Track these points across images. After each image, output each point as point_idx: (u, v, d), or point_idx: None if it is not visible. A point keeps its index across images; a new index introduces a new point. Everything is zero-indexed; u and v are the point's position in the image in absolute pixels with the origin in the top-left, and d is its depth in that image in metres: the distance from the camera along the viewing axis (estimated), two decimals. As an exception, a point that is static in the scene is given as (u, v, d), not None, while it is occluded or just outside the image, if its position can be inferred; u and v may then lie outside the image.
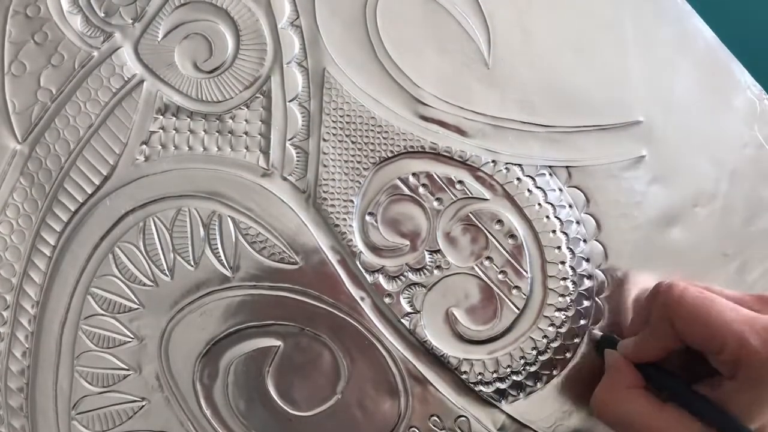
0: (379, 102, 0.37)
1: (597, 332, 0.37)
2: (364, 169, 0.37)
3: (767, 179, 0.39)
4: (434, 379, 0.37)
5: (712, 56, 0.39)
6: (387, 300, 0.37)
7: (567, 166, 0.38)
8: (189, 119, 0.37)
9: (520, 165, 0.37)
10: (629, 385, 0.34)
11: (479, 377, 0.37)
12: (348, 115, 0.37)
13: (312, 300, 0.37)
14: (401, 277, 0.37)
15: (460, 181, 0.37)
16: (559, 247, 0.37)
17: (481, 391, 0.37)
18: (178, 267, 0.36)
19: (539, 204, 0.37)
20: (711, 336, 0.31)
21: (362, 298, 0.37)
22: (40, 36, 0.37)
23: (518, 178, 0.37)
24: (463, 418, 0.37)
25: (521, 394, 0.37)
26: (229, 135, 0.37)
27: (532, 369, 0.37)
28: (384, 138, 0.37)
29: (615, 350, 0.35)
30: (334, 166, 0.37)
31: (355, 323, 0.37)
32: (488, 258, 0.37)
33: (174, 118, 0.37)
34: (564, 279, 0.37)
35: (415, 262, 0.37)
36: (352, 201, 0.37)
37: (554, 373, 0.37)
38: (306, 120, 0.37)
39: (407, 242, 0.37)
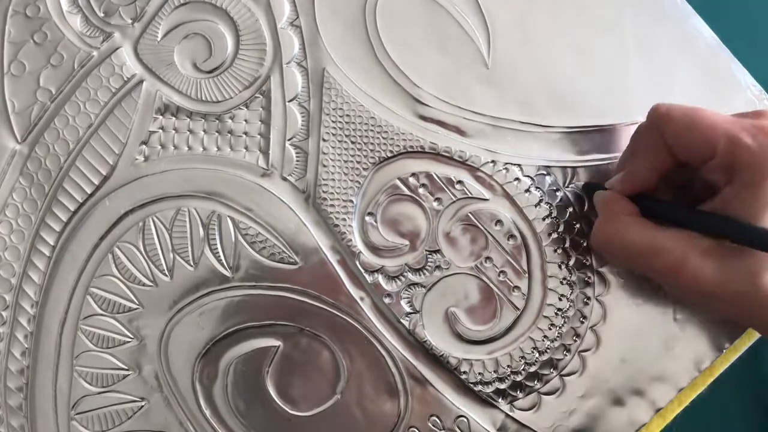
0: (378, 102, 0.37)
1: (581, 183, 0.37)
2: (364, 169, 0.37)
3: (767, 179, 0.39)
4: (434, 379, 0.37)
5: (712, 56, 0.39)
6: (387, 300, 0.37)
7: (567, 167, 0.38)
8: (188, 119, 0.37)
9: (519, 165, 0.37)
10: (625, 213, 0.33)
11: (479, 377, 0.37)
12: (348, 115, 0.37)
13: (311, 300, 0.37)
14: (401, 277, 0.37)
15: (459, 181, 0.37)
16: (558, 248, 0.37)
17: (480, 391, 0.37)
18: (177, 267, 0.36)
19: (539, 204, 0.37)
20: (702, 140, 0.31)
21: (362, 298, 0.37)
22: (40, 36, 0.37)
23: (518, 178, 0.37)
24: (462, 418, 0.37)
25: (521, 394, 0.37)
26: (229, 135, 0.37)
27: (532, 369, 0.37)
28: (384, 138, 0.37)
29: (603, 190, 0.35)
30: (333, 166, 0.37)
31: (354, 323, 0.37)
32: (488, 258, 0.37)
33: (173, 118, 0.37)
34: (564, 279, 0.37)
35: (415, 262, 0.37)
36: (351, 201, 0.37)
37: (554, 373, 0.37)
38: (305, 120, 0.37)
39: (407, 242, 0.37)
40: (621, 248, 0.33)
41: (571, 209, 0.37)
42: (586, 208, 0.38)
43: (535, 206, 0.37)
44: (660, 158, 0.33)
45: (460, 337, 0.37)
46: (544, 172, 0.38)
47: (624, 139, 0.38)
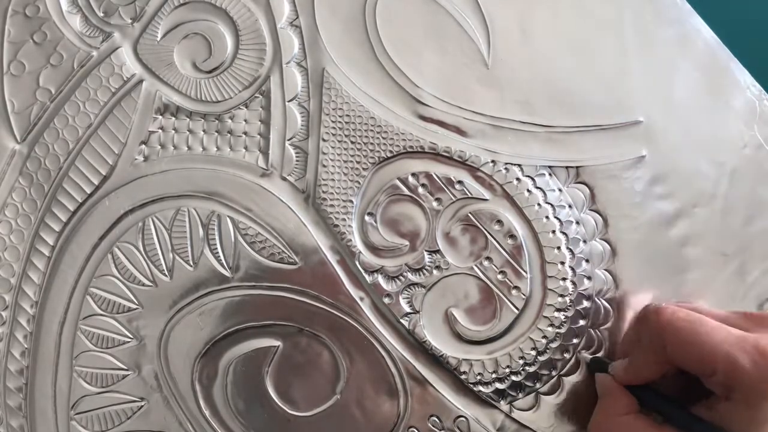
0: (378, 102, 0.37)
1: (586, 355, 0.37)
2: (364, 169, 0.37)
3: (767, 179, 0.39)
4: (433, 380, 0.37)
5: (712, 56, 0.39)
6: (386, 300, 0.37)
7: (567, 167, 0.38)
8: (188, 119, 0.37)
9: (519, 165, 0.37)
10: (623, 411, 0.33)
11: (478, 377, 0.37)
12: (347, 115, 0.37)
13: (311, 300, 0.37)
14: (400, 277, 0.37)
15: (459, 182, 0.37)
16: (558, 248, 0.37)
17: (480, 391, 0.37)
18: (177, 267, 0.36)
19: (539, 204, 0.37)
20: (702, 359, 0.31)
21: (361, 298, 0.37)
22: (39, 36, 0.37)
23: (518, 179, 0.37)
24: (462, 419, 0.37)
25: (520, 395, 0.37)
26: (229, 135, 0.37)
27: (531, 369, 0.37)
28: (383, 138, 0.37)
29: (606, 374, 0.35)
30: (333, 166, 0.37)
31: (354, 323, 0.37)
32: (488, 258, 0.37)
33: (173, 118, 0.37)
34: (563, 279, 0.37)
35: (415, 262, 0.37)
36: (351, 201, 0.37)
37: (553, 373, 0.37)
38: (305, 120, 0.37)
39: (406, 242, 0.37)
40: None
41: (571, 209, 0.37)
42: (586, 209, 0.38)
43: (535, 206, 0.37)
44: (662, 359, 0.33)
45: (460, 338, 0.37)
46: (544, 172, 0.38)
47: (624, 140, 0.38)
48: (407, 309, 0.37)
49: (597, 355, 0.37)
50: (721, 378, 0.31)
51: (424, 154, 0.37)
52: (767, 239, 0.39)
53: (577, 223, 0.37)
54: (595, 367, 0.36)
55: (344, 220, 0.37)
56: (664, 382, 0.34)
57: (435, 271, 0.37)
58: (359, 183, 0.37)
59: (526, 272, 0.37)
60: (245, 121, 0.37)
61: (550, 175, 0.38)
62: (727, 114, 0.39)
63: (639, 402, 0.34)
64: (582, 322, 0.37)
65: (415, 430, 0.37)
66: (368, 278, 0.37)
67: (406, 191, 0.37)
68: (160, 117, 0.37)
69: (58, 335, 0.36)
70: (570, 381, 0.37)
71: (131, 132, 0.37)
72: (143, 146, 0.37)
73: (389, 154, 0.37)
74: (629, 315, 0.38)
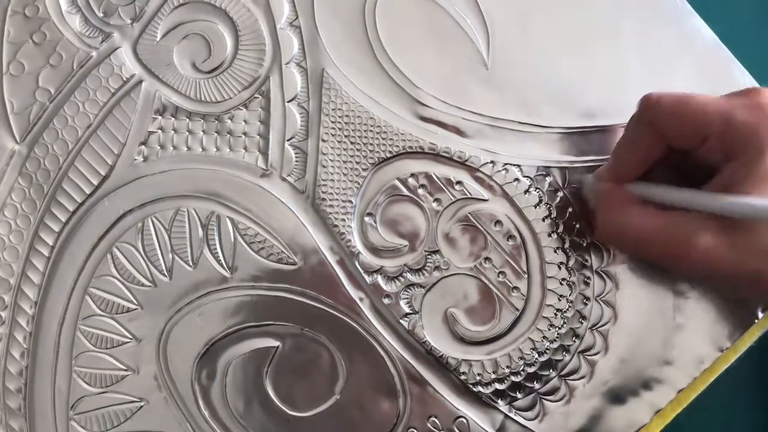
0: (378, 102, 0.37)
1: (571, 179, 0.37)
2: (363, 169, 0.37)
3: (767, 180, 0.39)
4: (433, 380, 0.37)
5: (712, 56, 0.39)
6: (386, 300, 0.37)
7: (566, 167, 0.38)
8: (188, 119, 0.37)
9: (519, 165, 0.37)
10: (624, 204, 0.33)
11: (478, 378, 0.37)
12: (347, 116, 0.37)
13: (311, 300, 0.37)
14: (400, 277, 0.37)
15: (459, 182, 0.37)
16: (558, 248, 0.37)
17: (480, 392, 0.37)
18: (176, 267, 0.36)
19: (538, 204, 0.37)
20: (695, 123, 0.31)
21: (361, 299, 0.37)
22: (39, 36, 0.37)
23: (517, 179, 0.37)
24: (461, 419, 0.37)
25: (520, 395, 0.37)
26: (228, 135, 0.37)
27: (531, 370, 0.37)
28: (383, 138, 0.37)
29: (594, 181, 0.35)
30: (333, 166, 0.37)
31: (353, 324, 0.37)
32: (487, 259, 0.37)
33: (173, 119, 0.37)
34: (563, 280, 0.37)
35: (414, 262, 0.37)
36: (350, 201, 0.37)
37: (553, 374, 0.37)
38: (305, 120, 0.37)
39: (406, 243, 0.37)
40: (631, 238, 0.33)
41: (570, 210, 0.37)
42: (585, 208, 0.38)
43: (535, 207, 0.37)
44: (651, 146, 0.32)
45: (460, 338, 0.37)
46: (544, 173, 0.38)
47: (623, 140, 0.38)
48: (407, 309, 0.37)
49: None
50: (718, 140, 0.30)
51: (423, 155, 0.37)
52: (767, 240, 0.39)
53: (577, 223, 0.37)
54: (579, 183, 0.36)
55: (344, 220, 0.37)
56: (654, 179, 0.33)
57: (434, 272, 0.37)
58: (359, 183, 0.37)
59: (525, 273, 0.37)
60: (245, 121, 0.37)
61: (549, 175, 0.38)
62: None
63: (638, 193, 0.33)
64: (582, 323, 0.37)
65: (414, 430, 0.37)
66: (368, 279, 0.37)
67: (405, 192, 0.37)
68: (160, 117, 0.37)
69: (57, 336, 0.36)
70: (570, 381, 0.37)
71: (130, 132, 0.37)
72: (143, 147, 0.37)
73: (389, 155, 0.37)
74: (629, 315, 0.38)
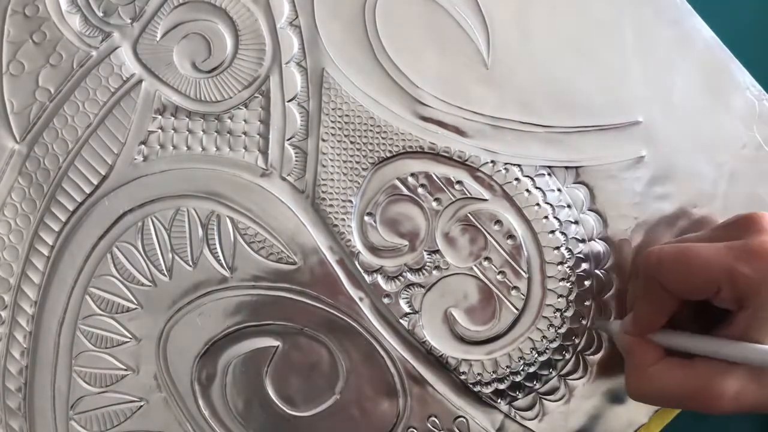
0: (378, 102, 0.37)
1: (596, 323, 0.37)
2: (363, 169, 0.37)
3: (766, 180, 0.39)
4: (433, 380, 0.37)
5: (712, 56, 0.39)
6: (386, 300, 0.37)
7: (566, 167, 0.38)
8: (187, 119, 0.37)
9: (519, 165, 0.37)
10: (651, 361, 0.33)
11: (478, 378, 0.37)
12: (347, 115, 0.37)
13: (310, 300, 0.37)
14: (400, 277, 0.37)
15: (459, 182, 0.37)
16: (558, 248, 0.37)
17: (479, 391, 0.37)
18: (176, 267, 0.36)
19: (538, 204, 0.37)
20: (701, 282, 0.31)
21: (361, 299, 0.37)
22: (39, 35, 0.37)
23: (517, 179, 0.37)
24: (461, 419, 0.37)
25: (520, 395, 0.37)
26: (228, 135, 0.37)
27: (531, 369, 0.37)
28: (383, 138, 0.37)
29: (622, 333, 0.35)
30: (332, 166, 0.37)
31: (353, 323, 0.37)
32: (487, 258, 0.37)
33: (172, 118, 0.37)
34: (563, 279, 0.37)
35: (414, 262, 0.37)
36: (350, 201, 0.37)
37: (553, 373, 0.37)
38: (305, 120, 0.37)
39: (406, 242, 0.37)
40: (658, 398, 0.33)
41: (570, 209, 0.37)
42: (585, 209, 0.38)
43: (535, 206, 0.37)
44: (665, 301, 0.32)
45: (459, 338, 0.37)
46: (544, 173, 0.38)
47: (623, 140, 0.38)
48: (407, 309, 0.37)
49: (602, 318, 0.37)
50: (728, 292, 0.30)
51: (423, 154, 0.37)
52: (767, 239, 0.39)
53: (577, 223, 0.37)
54: (603, 329, 0.36)
55: (344, 220, 0.37)
56: (678, 320, 0.33)
57: (434, 272, 0.37)
58: (359, 183, 0.37)
59: (525, 272, 0.37)
60: (245, 121, 0.37)
61: (549, 175, 0.38)
62: (727, 114, 0.39)
63: (663, 344, 0.33)
64: (582, 322, 0.37)
65: (414, 430, 0.37)
66: (368, 278, 0.37)
67: (405, 191, 0.37)
68: (160, 117, 0.37)
69: (57, 335, 0.36)
70: (570, 381, 0.37)
71: (130, 132, 0.37)
72: (142, 146, 0.37)
73: (389, 154, 0.37)
74: (628, 316, 0.38)
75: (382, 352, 0.37)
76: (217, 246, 0.36)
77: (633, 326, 0.34)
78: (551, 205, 0.37)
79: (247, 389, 0.36)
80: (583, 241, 0.37)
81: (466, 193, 0.37)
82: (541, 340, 0.37)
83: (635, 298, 0.35)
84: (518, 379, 0.37)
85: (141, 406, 0.36)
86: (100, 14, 0.37)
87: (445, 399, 0.37)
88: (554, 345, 0.37)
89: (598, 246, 0.38)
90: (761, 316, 0.30)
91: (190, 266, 0.36)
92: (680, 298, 0.32)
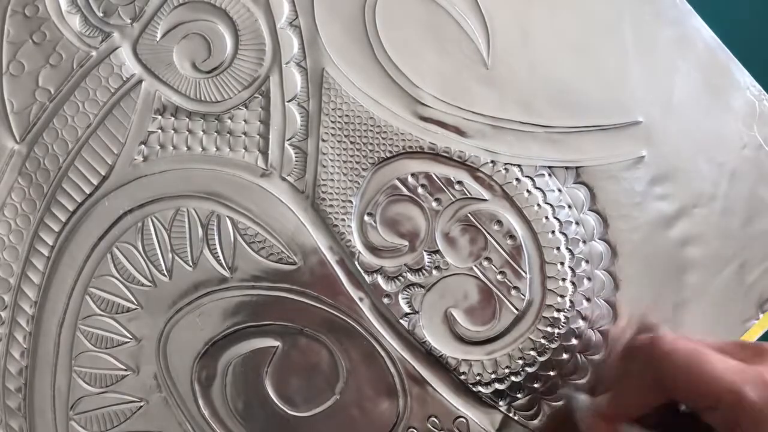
0: (378, 102, 0.37)
1: (563, 389, 0.37)
2: (363, 169, 0.37)
3: (766, 180, 0.39)
4: (433, 380, 0.37)
5: (712, 56, 0.39)
6: (386, 300, 0.37)
7: (566, 167, 0.38)
8: (187, 119, 0.37)
9: (519, 165, 0.37)
10: None
11: (478, 378, 0.37)
12: (347, 116, 0.37)
13: (310, 300, 0.37)
14: (400, 277, 0.37)
15: (459, 182, 0.37)
16: (558, 248, 0.37)
17: (479, 391, 0.37)
18: (176, 267, 0.36)
19: (538, 204, 0.37)
20: (705, 391, 0.30)
21: (361, 299, 0.37)
22: (39, 36, 0.37)
23: (517, 179, 0.37)
24: (461, 419, 0.37)
25: (520, 395, 0.37)
26: (228, 135, 0.37)
27: (531, 370, 0.37)
28: (383, 138, 0.37)
29: (589, 411, 0.34)
30: (332, 166, 0.37)
31: (353, 324, 0.37)
32: (487, 258, 0.37)
33: (172, 118, 0.37)
34: (563, 280, 0.37)
35: (414, 262, 0.37)
36: (350, 201, 0.37)
37: (553, 374, 0.37)
38: (305, 120, 0.37)
39: (406, 243, 0.37)
40: None
41: (570, 210, 0.37)
42: (585, 209, 0.38)
43: (535, 207, 0.37)
44: (655, 396, 0.31)
45: (459, 338, 0.37)
46: (544, 173, 0.38)
47: (624, 140, 0.38)
48: (407, 309, 0.37)
49: (578, 392, 0.36)
50: (725, 411, 0.29)
51: (423, 155, 0.37)
52: (767, 240, 0.39)
53: (577, 223, 0.37)
54: (569, 400, 0.36)
55: (343, 220, 0.37)
56: (650, 419, 0.32)
57: (434, 272, 0.37)
58: (359, 183, 0.37)
59: (525, 273, 0.37)
60: (244, 121, 0.37)
61: (549, 175, 0.38)
62: (727, 114, 0.39)
63: None
64: (582, 323, 0.37)
65: (414, 430, 0.37)
66: (368, 278, 0.37)
67: (405, 191, 0.37)
68: (160, 117, 0.37)
69: (57, 335, 0.36)
70: (570, 381, 0.37)
71: (130, 132, 0.37)
72: (142, 146, 0.37)
73: (389, 155, 0.37)
74: (629, 316, 0.38)
75: (382, 353, 0.37)
76: (217, 246, 0.36)
77: (610, 408, 0.33)
78: (551, 205, 0.37)
79: (247, 389, 0.36)
80: (583, 241, 0.37)
81: (466, 193, 0.37)
82: (542, 341, 0.37)
83: (623, 379, 0.33)
84: (518, 379, 0.37)
85: (141, 406, 0.36)
86: (100, 14, 0.37)
87: (445, 399, 0.37)
88: (554, 345, 0.37)
89: (599, 246, 0.38)
90: None
91: (190, 266, 0.36)
92: (671, 397, 0.31)
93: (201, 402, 0.36)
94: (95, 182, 0.36)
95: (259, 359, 0.36)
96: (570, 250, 0.37)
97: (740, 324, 0.38)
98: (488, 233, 0.37)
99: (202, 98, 0.37)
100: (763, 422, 0.28)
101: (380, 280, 0.37)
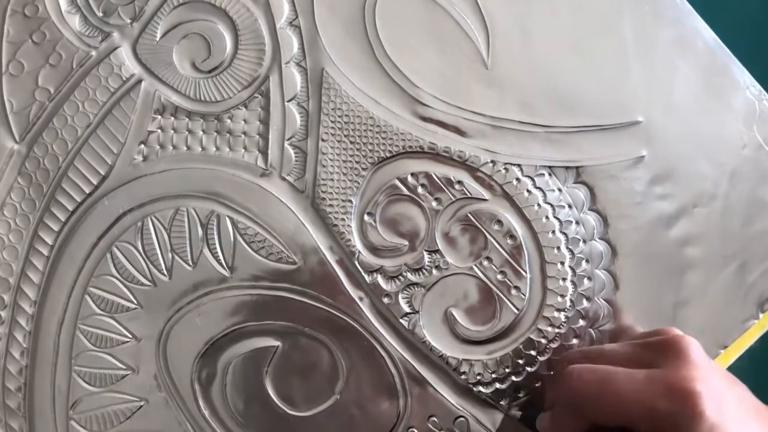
0: (377, 102, 0.37)
1: (516, 413, 0.37)
2: (363, 169, 0.37)
3: (766, 180, 0.39)
4: (433, 380, 0.37)
5: (712, 56, 0.39)
6: (386, 300, 0.37)
7: (566, 167, 0.38)
8: (187, 119, 0.37)
9: (519, 165, 0.37)
10: None
11: (478, 378, 0.37)
12: (347, 115, 0.37)
13: (310, 300, 0.37)
14: (400, 277, 0.37)
15: (459, 182, 0.37)
16: (558, 248, 0.37)
17: (480, 391, 0.37)
18: (176, 267, 0.36)
19: (538, 204, 0.37)
20: (620, 417, 0.30)
21: (361, 298, 0.37)
22: (38, 35, 0.37)
23: (517, 179, 0.37)
24: (462, 419, 0.37)
25: (521, 395, 0.37)
26: (228, 135, 0.37)
27: (531, 370, 0.37)
28: (383, 138, 0.37)
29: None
30: (332, 166, 0.37)
31: (353, 323, 0.37)
32: (487, 258, 0.37)
33: (172, 118, 0.37)
34: (563, 279, 0.37)
35: (414, 262, 0.37)
36: (350, 201, 0.37)
37: (553, 374, 0.37)
38: (304, 120, 0.37)
39: (406, 242, 0.37)
40: None
41: (570, 209, 0.37)
42: (585, 209, 0.38)
43: (535, 206, 0.37)
44: (581, 420, 0.32)
45: (460, 338, 0.37)
46: (544, 172, 0.38)
47: (624, 140, 0.38)
48: (407, 309, 0.37)
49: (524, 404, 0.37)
50: (645, 427, 0.30)
51: (423, 154, 0.37)
52: (767, 240, 0.39)
53: (577, 223, 0.37)
54: (527, 418, 0.36)
55: (343, 220, 0.37)
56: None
57: (434, 271, 0.37)
58: (358, 183, 0.37)
59: (525, 272, 0.37)
60: (244, 121, 0.37)
61: (549, 175, 0.38)
62: (727, 114, 0.39)
63: None
64: (582, 323, 0.37)
65: (414, 430, 0.36)
66: (367, 278, 0.37)
67: (405, 191, 0.37)
68: (159, 117, 0.37)
69: (57, 335, 0.36)
70: (521, 403, 0.37)
71: (130, 132, 0.37)
72: (142, 146, 0.37)
73: (388, 154, 0.37)
74: (629, 315, 0.38)
75: (382, 352, 0.37)
76: (217, 246, 0.36)
77: (551, 428, 0.34)
78: (551, 205, 0.37)
79: (247, 389, 0.36)
80: (583, 241, 0.37)
81: (466, 193, 0.37)
82: (542, 340, 0.37)
83: (555, 403, 0.34)
84: (519, 379, 0.37)
85: (141, 406, 0.36)
86: (100, 14, 0.37)
87: (446, 399, 0.37)
88: (554, 345, 0.37)
89: (599, 246, 0.38)
90: None
91: (190, 266, 0.36)
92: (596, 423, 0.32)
93: (201, 402, 0.36)
94: (95, 182, 0.36)
95: (259, 359, 0.36)
96: (570, 250, 0.37)
97: (740, 324, 0.38)
98: (488, 233, 0.37)
99: (202, 98, 0.37)
100: (680, 426, 0.29)
101: (380, 279, 0.37)
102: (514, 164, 0.37)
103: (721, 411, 0.29)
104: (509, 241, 0.37)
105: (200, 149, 0.37)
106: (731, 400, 0.30)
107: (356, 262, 0.37)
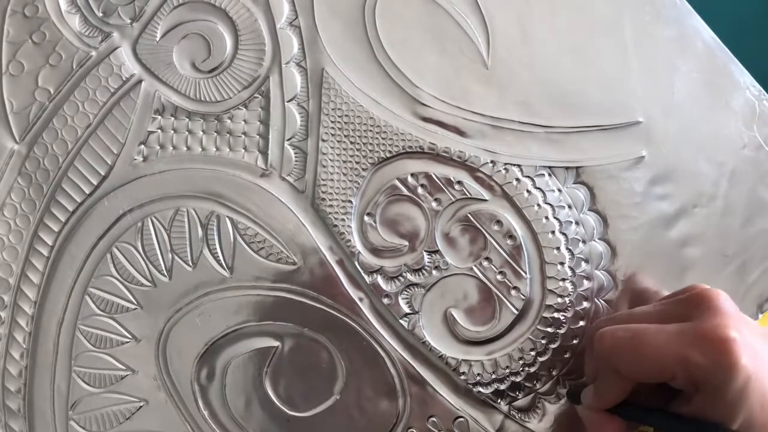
0: (377, 102, 0.37)
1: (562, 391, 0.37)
2: (363, 169, 0.37)
3: (766, 180, 0.39)
4: (432, 380, 0.37)
5: (712, 57, 0.39)
6: (385, 300, 0.37)
7: (566, 167, 0.38)
8: (187, 119, 0.37)
9: (519, 165, 0.37)
10: (607, 429, 0.33)
11: (478, 378, 0.37)
12: (347, 116, 0.37)
13: (310, 300, 0.37)
14: (400, 277, 0.37)
15: (458, 182, 0.37)
16: (557, 248, 0.37)
17: (479, 392, 0.37)
18: (176, 267, 0.36)
19: (538, 204, 0.37)
20: (656, 371, 0.31)
21: (361, 299, 0.37)
22: (38, 36, 0.37)
23: (517, 179, 0.37)
24: (461, 419, 0.37)
25: (520, 395, 0.37)
26: (228, 135, 0.37)
27: (531, 370, 0.37)
28: (383, 138, 0.37)
29: (582, 406, 0.35)
30: (332, 166, 0.37)
31: (353, 324, 0.37)
32: (487, 258, 0.37)
33: (172, 118, 0.37)
34: (563, 280, 0.37)
35: (414, 262, 0.37)
36: (350, 201, 0.37)
37: (553, 374, 0.37)
38: (304, 120, 0.37)
39: (406, 243, 0.37)
40: None
41: (570, 210, 0.37)
42: (585, 209, 0.38)
43: (535, 207, 0.37)
44: (621, 383, 0.32)
45: (459, 338, 0.37)
46: (544, 173, 0.37)
47: (624, 140, 0.38)
48: (406, 309, 0.37)
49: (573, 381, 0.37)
50: (682, 378, 0.30)
51: (423, 155, 0.37)
52: (767, 239, 0.39)
53: (577, 223, 0.37)
54: (573, 396, 0.36)
55: (343, 220, 0.37)
56: (639, 391, 0.33)
57: (434, 272, 0.37)
58: (358, 183, 0.37)
59: (525, 273, 0.37)
60: (244, 121, 0.37)
61: (549, 175, 0.38)
62: (727, 114, 0.39)
63: (623, 417, 0.33)
64: (582, 323, 0.37)
65: (414, 430, 0.36)
66: (367, 279, 0.37)
67: (405, 191, 0.37)
68: (159, 117, 0.37)
69: (56, 336, 0.36)
70: (570, 382, 0.37)
71: (130, 132, 0.37)
72: (142, 146, 0.37)
73: (388, 155, 0.37)
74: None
75: (382, 353, 0.37)
76: (217, 246, 0.36)
77: (594, 401, 0.34)
78: (551, 205, 0.37)
79: (246, 390, 0.36)
80: (583, 241, 0.37)
81: (466, 193, 0.37)
82: (541, 341, 0.37)
83: (595, 373, 0.34)
84: (518, 379, 0.37)
85: (141, 406, 0.36)
86: (100, 14, 0.37)
87: (445, 399, 0.37)
88: (554, 345, 0.37)
89: (599, 246, 0.38)
90: (716, 399, 0.30)
91: (190, 266, 0.36)
92: (636, 381, 0.32)
93: (201, 402, 0.36)
94: (95, 182, 0.36)
95: (259, 359, 0.36)
96: (570, 250, 0.37)
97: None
98: (488, 233, 0.37)
99: (202, 98, 0.37)
100: (715, 375, 0.29)
101: (380, 280, 0.37)
102: (514, 164, 0.37)
103: (756, 360, 0.29)
104: (509, 242, 0.37)
105: (200, 149, 0.37)
106: (766, 349, 0.30)
107: (356, 263, 0.37)
